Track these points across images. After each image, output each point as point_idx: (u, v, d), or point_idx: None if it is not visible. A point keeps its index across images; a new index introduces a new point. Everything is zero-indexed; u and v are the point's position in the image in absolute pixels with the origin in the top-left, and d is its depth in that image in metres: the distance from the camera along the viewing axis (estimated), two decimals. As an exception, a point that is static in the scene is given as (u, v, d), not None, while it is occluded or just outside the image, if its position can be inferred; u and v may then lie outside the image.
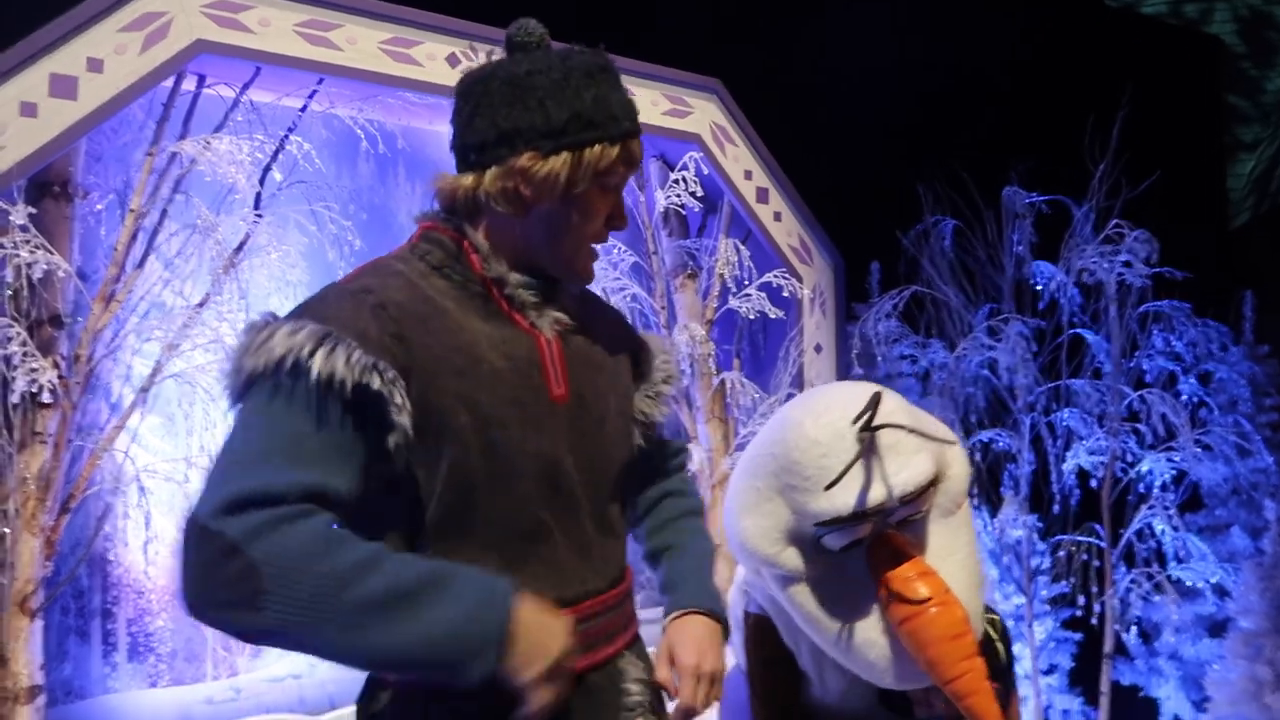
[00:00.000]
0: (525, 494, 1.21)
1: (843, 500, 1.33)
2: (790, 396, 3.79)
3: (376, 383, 1.11)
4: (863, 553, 1.39)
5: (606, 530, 1.31)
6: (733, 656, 1.78)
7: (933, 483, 1.39)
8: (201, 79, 2.93)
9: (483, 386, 1.20)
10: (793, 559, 1.39)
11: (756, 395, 3.74)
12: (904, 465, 1.34)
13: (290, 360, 1.09)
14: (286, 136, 3.05)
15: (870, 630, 1.36)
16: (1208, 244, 5.33)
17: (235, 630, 1.06)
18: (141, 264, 2.78)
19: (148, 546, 2.89)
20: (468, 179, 1.25)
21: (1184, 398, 3.53)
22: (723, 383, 3.76)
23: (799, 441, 1.39)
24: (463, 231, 1.27)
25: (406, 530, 1.20)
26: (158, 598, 2.99)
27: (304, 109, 3.11)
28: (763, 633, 1.61)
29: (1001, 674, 1.64)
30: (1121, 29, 5.95)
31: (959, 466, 1.47)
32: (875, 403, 1.33)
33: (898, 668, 1.34)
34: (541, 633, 1.09)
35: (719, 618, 1.39)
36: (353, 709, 3.47)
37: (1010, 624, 3.89)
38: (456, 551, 1.18)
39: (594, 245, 1.31)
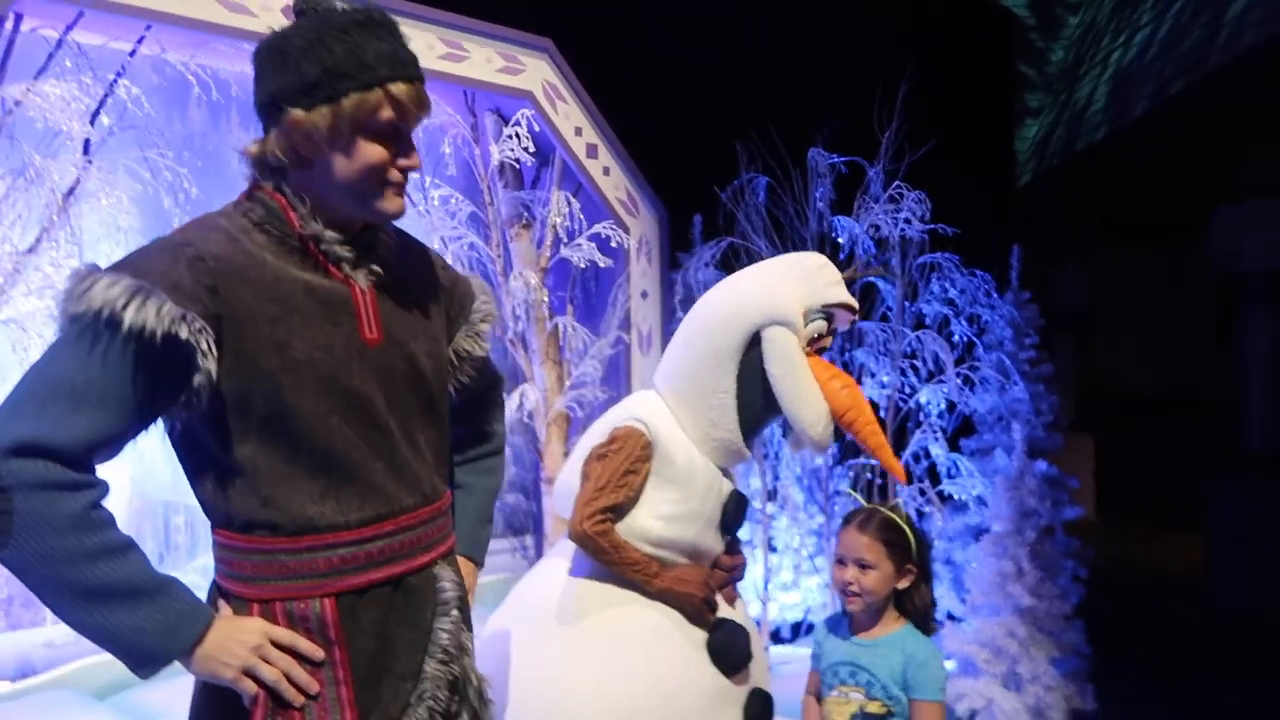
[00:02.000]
0: (338, 426, 1.37)
1: (851, 298, 2.08)
2: (619, 340, 4.10)
3: (184, 332, 1.25)
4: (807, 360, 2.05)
5: (419, 456, 1.49)
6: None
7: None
8: (19, 18, 2.87)
9: (295, 332, 1.34)
10: (800, 323, 2.02)
11: (588, 339, 4.01)
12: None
13: (106, 312, 1.22)
14: (115, 81, 3.02)
15: (814, 392, 1.99)
16: (986, 201, 5.97)
17: None
18: (-35, 209, 2.74)
19: (-20, 493, 2.89)
20: (256, 145, 1.40)
21: (956, 337, 4.08)
22: (556, 327, 4.01)
23: (811, 254, 2.18)
24: (282, 191, 1.39)
25: (228, 462, 1.36)
26: (-9, 544, 2.99)
27: (133, 53, 3.09)
28: (635, 442, 2.00)
29: (909, 557, 2.09)
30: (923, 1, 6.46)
31: None
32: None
33: (827, 420, 2.00)
34: (226, 648, 1.32)
35: (476, 561, 1.74)
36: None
37: (811, 540, 4.40)
38: (287, 478, 1.36)
39: (393, 184, 1.39)
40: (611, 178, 4.07)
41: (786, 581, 4.36)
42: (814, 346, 2.05)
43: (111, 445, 1.30)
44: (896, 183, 3.91)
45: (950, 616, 4.34)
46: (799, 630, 4.41)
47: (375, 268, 1.45)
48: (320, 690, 1.37)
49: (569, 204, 3.93)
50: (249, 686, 1.33)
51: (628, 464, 1.97)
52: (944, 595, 4.41)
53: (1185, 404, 9.82)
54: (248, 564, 1.39)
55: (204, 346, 1.27)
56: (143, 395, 1.28)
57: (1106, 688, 3.74)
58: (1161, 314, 10.94)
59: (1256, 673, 4.77)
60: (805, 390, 1.96)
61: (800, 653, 4.16)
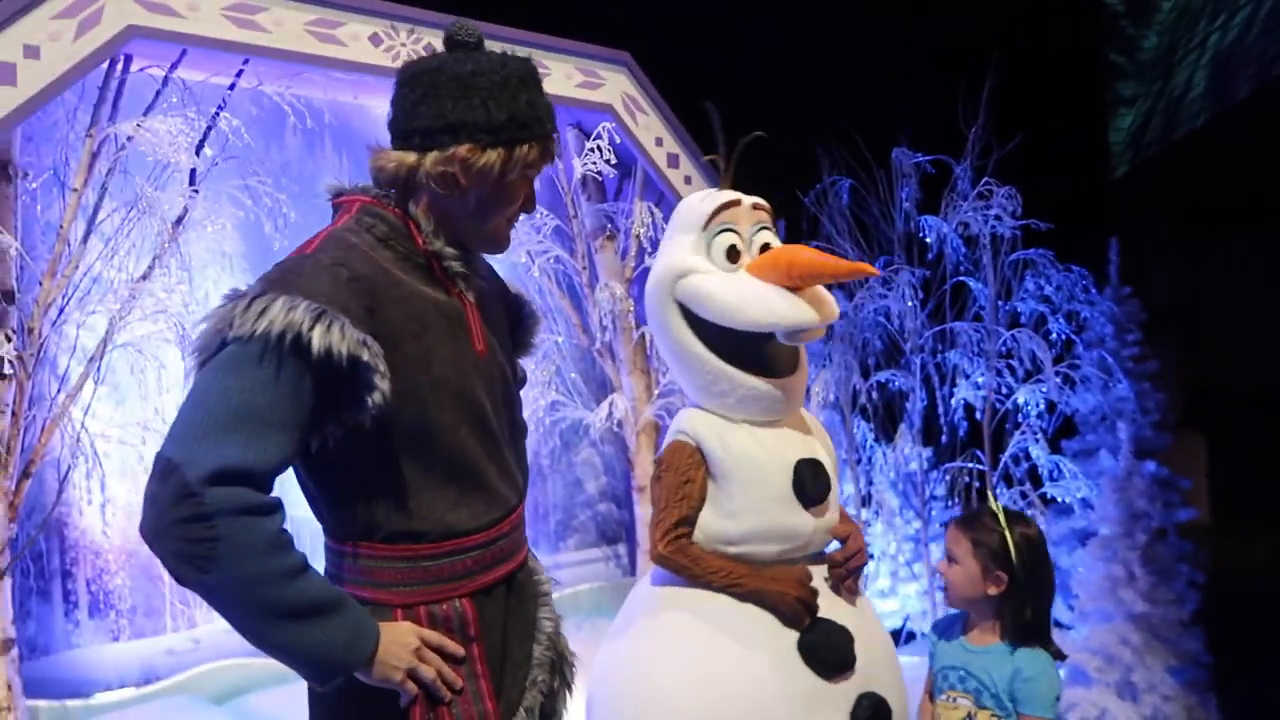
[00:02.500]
0: (466, 436, 1.46)
1: (718, 197, 2.03)
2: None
3: (366, 355, 1.29)
4: (742, 271, 2.00)
5: (515, 457, 1.61)
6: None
7: (770, 213, 2.09)
8: (128, 59, 3.03)
9: (432, 349, 1.41)
10: (698, 262, 1.99)
11: (674, 347, 4.02)
12: (750, 195, 2.07)
13: (290, 335, 1.24)
14: (217, 113, 3.17)
15: (753, 282, 1.95)
16: (1081, 194, 5.78)
17: (171, 570, 1.25)
18: (85, 240, 2.90)
19: (104, 509, 3.05)
20: (410, 158, 1.42)
21: (1054, 335, 3.95)
22: (643, 336, 4.03)
23: (686, 199, 2.12)
24: (404, 208, 1.45)
25: (375, 477, 1.41)
26: (115, 557, 3.15)
27: (232, 87, 3.23)
28: (680, 454, 2.02)
29: (1002, 564, 2.00)
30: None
31: None
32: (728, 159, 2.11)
33: (780, 295, 1.93)
34: (395, 653, 1.37)
35: None
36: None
37: (908, 547, 4.31)
38: (426, 488, 1.43)
39: (512, 223, 1.54)
40: (693, 186, 4.08)
41: (884, 588, 4.27)
42: (759, 255, 2.01)
43: (288, 465, 1.32)
44: (985, 179, 3.81)
45: (1056, 623, 4.19)
46: (899, 638, 4.32)
47: (481, 283, 1.54)
48: (462, 684, 1.45)
49: (652, 214, 3.95)
50: (412, 687, 1.39)
51: (680, 476, 1.99)
52: (1049, 602, 4.26)
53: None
54: (391, 572, 1.44)
55: (381, 368, 1.31)
56: (316, 416, 1.31)
57: (1230, 698, 3.55)
58: (1274, 304, 10.37)
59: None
60: (736, 301, 1.92)
61: (900, 662, 4.07)
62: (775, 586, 1.93)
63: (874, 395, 4.11)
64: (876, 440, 4.17)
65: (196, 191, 3.08)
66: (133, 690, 3.00)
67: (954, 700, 2.04)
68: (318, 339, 1.25)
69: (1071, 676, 3.54)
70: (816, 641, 1.93)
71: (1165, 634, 3.35)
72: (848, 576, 2.06)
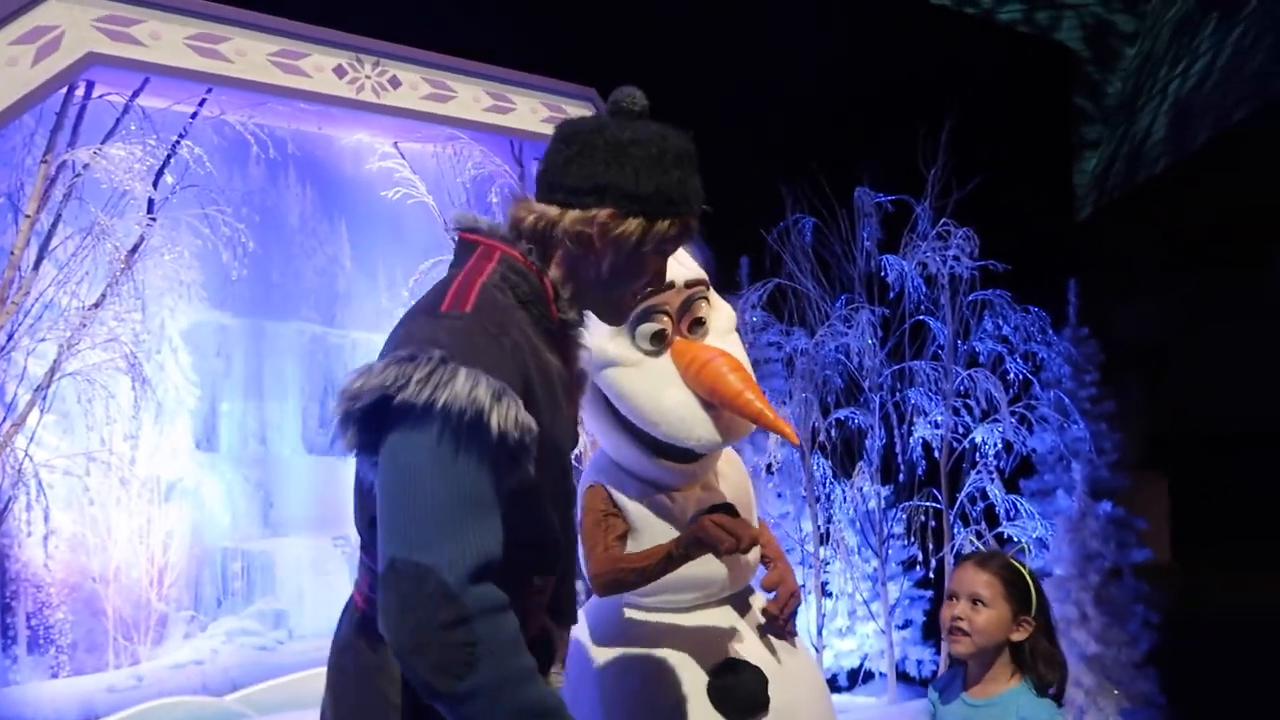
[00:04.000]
0: (552, 494, 1.43)
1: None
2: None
3: (528, 439, 1.25)
4: (668, 355, 1.93)
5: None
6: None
7: (706, 284, 1.99)
8: (89, 86, 3.02)
9: (556, 422, 1.40)
10: (618, 347, 1.91)
11: (636, 382, 4.01)
12: (686, 262, 1.96)
13: (471, 412, 1.19)
14: (178, 142, 3.16)
15: (675, 393, 1.89)
16: (1040, 237, 5.87)
17: (426, 683, 1.17)
18: (37, 266, 2.87)
19: (47, 541, 2.99)
20: (552, 212, 1.40)
21: (1011, 375, 4.00)
22: (604, 371, 4.02)
23: None
24: (542, 269, 1.44)
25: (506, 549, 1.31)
26: (56, 591, 3.08)
27: (195, 116, 3.23)
28: (596, 497, 2.03)
29: (1027, 608, 1.91)
30: (975, 37, 6.42)
31: (725, 306, 2.09)
32: None
33: (699, 417, 1.87)
34: None
35: None
36: (252, 690, 3.59)
37: (866, 585, 4.31)
38: (528, 564, 1.39)
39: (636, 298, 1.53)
40: (657, 222, 4.10)
41: (842, 627, 4.26)
42: (686, 334, 1.94)
43: None
44: (944, 219, 3.87)
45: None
46: (856, 677, 4.30)
47: (585, 353, 1.57)
48: None
49: (616, 249, 3.96)
50: None
51: (600, 513, 1.98)
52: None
53: (1265, 438, 9.41)
54: None
55: (534, 451, 1.28)
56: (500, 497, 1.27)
57: (1183, 740, 3.56)
58: (1240, 345, 10.55)
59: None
60: (655, 417, 1.88)
61: (857, 701, 4.06)
62: (688, 533, 1.87)
63: (833, 433, 4.13)
64: (835, 478, 4.18)
65: (154, 219, 3.06)
66: (71, 728, 2.92)
67: None
68: (496, 419, 1.21)
69: (1026, 718, 3.54)
70: (727, 685, 1.92)
71: (1118, 675, 3.37)
72: (788, 623, 2.04)
